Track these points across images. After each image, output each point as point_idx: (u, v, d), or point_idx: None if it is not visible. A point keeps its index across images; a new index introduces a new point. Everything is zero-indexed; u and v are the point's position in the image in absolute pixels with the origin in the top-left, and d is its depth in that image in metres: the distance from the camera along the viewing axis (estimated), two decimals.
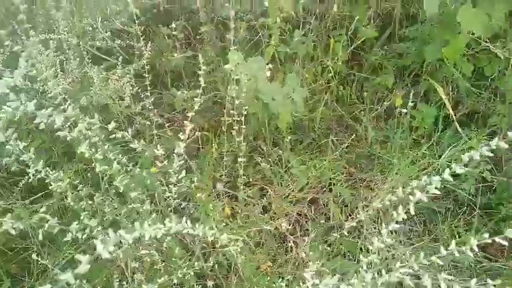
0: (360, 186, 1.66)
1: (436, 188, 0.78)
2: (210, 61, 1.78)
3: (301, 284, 0.85)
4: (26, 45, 1.28)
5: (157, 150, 0.94)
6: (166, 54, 1.73)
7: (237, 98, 1.46)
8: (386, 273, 0.84)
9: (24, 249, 1.40)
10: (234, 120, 1.19)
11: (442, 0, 1.49)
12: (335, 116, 1.95)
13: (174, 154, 0.94)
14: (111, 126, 0.95)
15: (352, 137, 1.74)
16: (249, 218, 1.47)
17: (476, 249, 0.74)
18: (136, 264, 1.05)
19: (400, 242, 1.52)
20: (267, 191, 1.56)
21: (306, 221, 1.51)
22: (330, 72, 1.94)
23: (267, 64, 1.65)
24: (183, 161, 0.94)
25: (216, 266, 1.28)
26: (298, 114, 1.78)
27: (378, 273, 0.84)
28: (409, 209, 0.81)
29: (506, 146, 0.73)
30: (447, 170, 0.78)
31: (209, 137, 1.66)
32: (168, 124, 1.56)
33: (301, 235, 1.51)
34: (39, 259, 1.03)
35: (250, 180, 1.63)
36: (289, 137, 1.60)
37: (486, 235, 0.74)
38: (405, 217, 0.85)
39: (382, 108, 1.93)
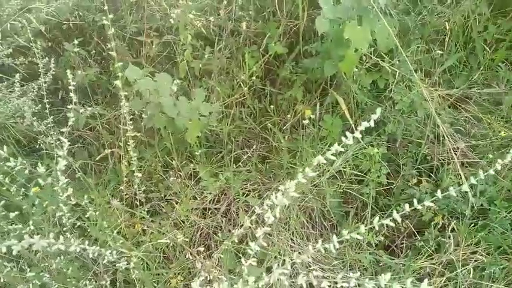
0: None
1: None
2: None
3: None
4: None
5: (39, 168, 0.92)
6: (72, 71, 1.70)
7: (144, 113, 1.47)
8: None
9: None
10: (129, 137, 1.20)
11: (335, 19, 1.62)
12: (251, 129, 2.02)
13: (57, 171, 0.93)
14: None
15: (266, 149, 1.81)
16: (160, 233, 1.47)
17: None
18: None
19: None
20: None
21: (218, 232, 1.53)
22: (245, 86, 2.02)
23: (179, 79, 1.69)
24: (67, 180, 0.93)
25: (121, 283, 1.27)
26: (212, 127, 1.82)
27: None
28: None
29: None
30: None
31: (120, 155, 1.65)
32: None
33: (213, 245, 1.53)
34: None
35: (164, 195, 1.63)
36: (199, 151, 1.63)
37: (376, 219, 0.81)
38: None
39: (294, 119, 2.03)
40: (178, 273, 1.43)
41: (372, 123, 0.80)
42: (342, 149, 0.84)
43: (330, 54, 1.81)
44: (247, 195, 1.68)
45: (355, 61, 1.64)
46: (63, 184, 0.96)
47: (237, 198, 1.66)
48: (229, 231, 1.61)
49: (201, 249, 1.30)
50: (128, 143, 1.18)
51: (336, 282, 0.82)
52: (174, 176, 1.56)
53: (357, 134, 0.80)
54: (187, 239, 1.35)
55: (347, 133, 0.81)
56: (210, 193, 1.50)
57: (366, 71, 1.87)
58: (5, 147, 0.98)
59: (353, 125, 1.81)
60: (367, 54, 1.68)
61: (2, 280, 0.94)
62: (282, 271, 0.86)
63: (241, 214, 1.55)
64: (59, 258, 1.02)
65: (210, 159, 1.79)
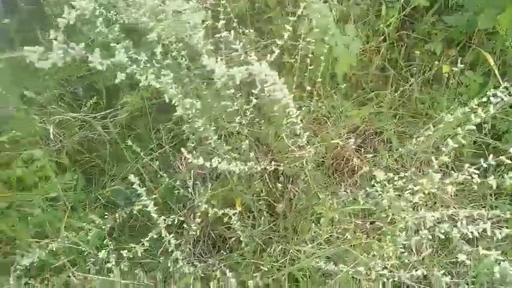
0: (406, 138, 1.74)
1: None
2: None
3: None
4: None
5: None
6: None
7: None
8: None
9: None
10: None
11: None
12: (383, 77, 2.03)
13: None
14: None
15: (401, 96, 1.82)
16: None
17: None
18: None
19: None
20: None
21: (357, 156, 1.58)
22: (382, 35, 2.02)
23: None
24: None
25: None
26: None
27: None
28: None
29: None
30: None
31: None
32: None
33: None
34: None
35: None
36: (343, 85, 1.68)
37: None
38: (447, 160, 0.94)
39: (429, 73, 2.00)
40: None
41: None
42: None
43: (486, 6, 1.75)
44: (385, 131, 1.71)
45: None
46: None
47: (372, 134, 1.70)
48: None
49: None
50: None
51: None
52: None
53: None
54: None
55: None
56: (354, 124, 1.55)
57: None
58: None
59: (501, 83, 1.75)
60: None
61: None
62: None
63: (381, 148, 1.59)
64: None
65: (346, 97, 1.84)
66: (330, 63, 1.68)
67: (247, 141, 1.15)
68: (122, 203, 1.61)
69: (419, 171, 1.65)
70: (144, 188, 1.03)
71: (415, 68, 2.05)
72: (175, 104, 0.97)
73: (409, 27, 2.19)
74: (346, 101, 1.71)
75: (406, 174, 1.01)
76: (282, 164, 1.14)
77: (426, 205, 1.30)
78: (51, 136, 1.50)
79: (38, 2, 1.74)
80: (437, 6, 2.12)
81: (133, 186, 1.01)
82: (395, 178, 1.05)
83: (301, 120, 0.95)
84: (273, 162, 1.10)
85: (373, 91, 1.94)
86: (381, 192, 1.04)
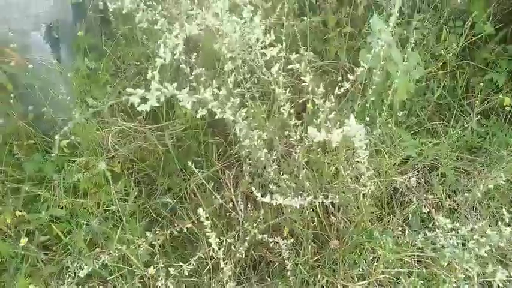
0: (462, 173, 1.67)
1: None
2: None
3: None
4: None
5: None
6: None
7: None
8: None
9: None
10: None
11: None
12: (439, 105, 1.96)
13: None
14: None
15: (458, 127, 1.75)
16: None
17: None
18: None
19: None
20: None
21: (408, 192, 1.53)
22: (441, 61, 1.96)
23: None
24: None
25: None
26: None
27: None
28: None
29: None
30: None
31: None
32: None
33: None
34: None
35: None
36: (401, 112, 1.64)
37: None
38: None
39: (489, 105, 1.92)
40: None
41: None
42: None
43: None
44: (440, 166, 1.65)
45: None
46: None
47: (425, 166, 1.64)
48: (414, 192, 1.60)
49: None
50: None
51: None
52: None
53: None
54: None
55: None
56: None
57: None
58: None
59: None
60: None
61: None
62: None
63: (436, 182, 1.53)
64: None
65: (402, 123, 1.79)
66: (387, 89, 1.64)
67: (304, 171, 1.14)
68: (168, 214, 1.64)
69: (474, 210, 1.58)
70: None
71: (474, 98, 1.97)
72: (242, 137, 0.98)
73: (469, 54, 2.11)
74: (401, 129, 1.66)
75: (475, 226, 0.96)
76: (337, 197, 1.11)
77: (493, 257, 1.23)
78: (109, 146, 1.54)
79: (104, 11, 1.80)
80: (502, 34, 2.03)
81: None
82: (458, 225, 1.00)
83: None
84: (330, 195, 1.07)
85: (429, 119, 1.88)
86: (442, 240, 0.99)
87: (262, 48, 0.85)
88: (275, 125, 1.17)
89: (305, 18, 1.72)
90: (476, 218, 1.48)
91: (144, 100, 0.58)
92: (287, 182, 1.14)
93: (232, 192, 1.44)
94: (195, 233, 1.47)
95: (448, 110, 2.00)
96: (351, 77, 1.02)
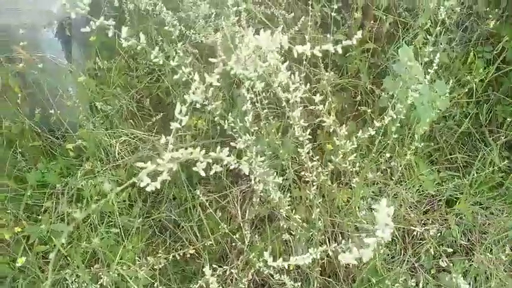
0: (480, 209, 1.61)
1: None
2: None
3: None
4: None
5: None
6: None
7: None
8: None
9: None
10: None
11: None
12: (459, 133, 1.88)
13: None
14: None
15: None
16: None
17: None
18: None
19: None
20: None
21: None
22: (465, 87, 1.87)
23: None
24: None
25: None
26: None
27: None
28: None
29: None
30: None
31: None
32: None
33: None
34: None
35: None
36: (421, 144, 1.56)
37: None
38: None
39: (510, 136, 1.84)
40: None
41: None
42: None
43: None
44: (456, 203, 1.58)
45: None
46: None
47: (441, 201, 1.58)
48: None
49: None
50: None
51: None
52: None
53: None
54: None
55: None
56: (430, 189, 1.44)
57: None
58: None
59: None
60: None
61: None
62: None
63: (452, 221, 1.47)
64: None
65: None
66: (409, 121, 1.57)
67: (317, 210, 1.08)
68: (172, 226, 1.60)
69: (489, 252, 1.52)
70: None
71: (496, 127, 1.89)
72: (256, 183, 0.92)
73: (495, 81, 2.02)
74: (420, 158, 1.60)
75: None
76: (350, 241, 1.06)
77: None
78: (116, 154, 1.49)
79: (119, 9, 1.73)
80: None
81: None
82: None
83: None
84: (343, 241, 1.02)
85: (448, 145, 1.80)
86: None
87: (284, 92, 0.78)
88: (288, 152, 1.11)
89: (328, 35, 1.63)
90: (491, 263, 1.42)
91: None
92: (299, 220, 1.08)
93: (240, 215, 1.39)
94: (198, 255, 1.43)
95: (467, 136, 1.92)
96: (377, 124, 0.95)
